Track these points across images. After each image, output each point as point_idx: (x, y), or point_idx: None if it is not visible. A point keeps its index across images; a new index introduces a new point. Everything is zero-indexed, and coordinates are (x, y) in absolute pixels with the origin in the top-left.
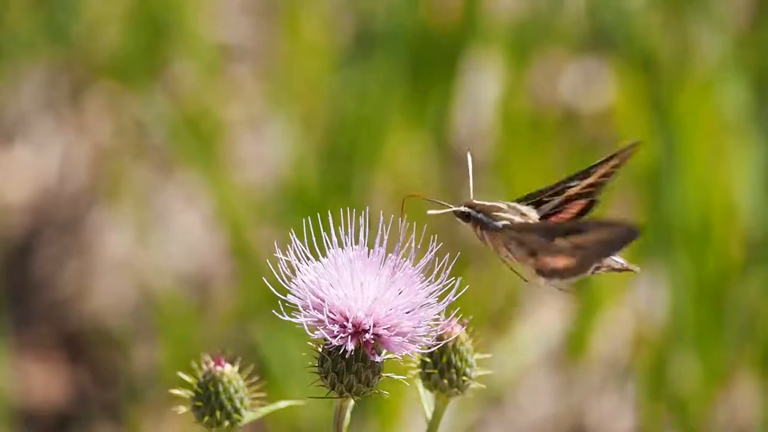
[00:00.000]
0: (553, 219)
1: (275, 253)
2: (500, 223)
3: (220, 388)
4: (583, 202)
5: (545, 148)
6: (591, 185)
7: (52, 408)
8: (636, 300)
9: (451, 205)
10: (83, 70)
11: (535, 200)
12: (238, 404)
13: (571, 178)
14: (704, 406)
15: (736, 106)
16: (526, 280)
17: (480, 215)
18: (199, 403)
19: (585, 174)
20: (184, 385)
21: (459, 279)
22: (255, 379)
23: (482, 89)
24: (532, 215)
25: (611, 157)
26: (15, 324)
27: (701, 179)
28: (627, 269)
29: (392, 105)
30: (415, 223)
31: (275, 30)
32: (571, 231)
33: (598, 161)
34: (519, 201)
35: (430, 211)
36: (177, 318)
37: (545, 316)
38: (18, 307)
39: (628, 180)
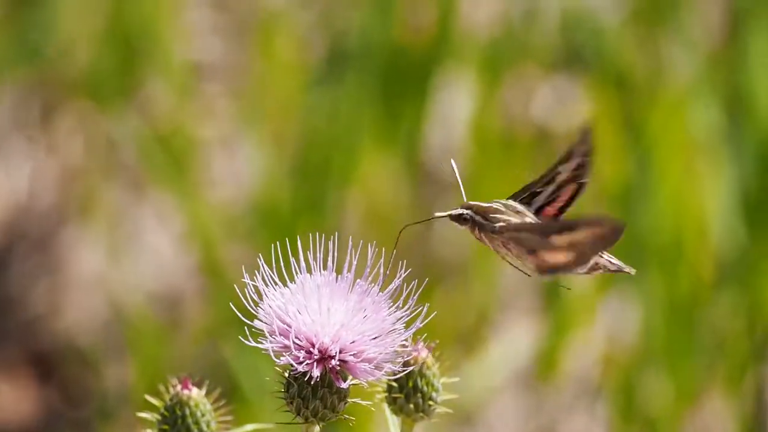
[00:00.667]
0: (548, 209)
1: (244, 275)
2: (497, 225)
3: (187, 412)
4: (572, 186)
5: (518, 166)
6: (576, 168)
7: (21, 426)
8: (606, 319)
9: (443, 213)
10: (55, 89)
11: (529, 193)
12: (204, 428)
13: (559, 162)
14: (675, 426)
15: (709, 125)
16: (528, 275)
17: (477, 217)
18: (165, 427)
19: (569, 154)
20: (152, 407)
21: (427, 305)
22: (223, 402)
23: (455, 107)
24: (528, 213)
25: (566, 159)
26: None
27: (673, 198)
28: (621, 270)
29: (364, 124)
30: (384, 248)
31: (248, 49)
32: (563, 229)
33: (571, 146)
34: (514, 196)
35: (436, 214)
36: (148, 336)
37: (516, 336)
38: None
39: (600, 197)
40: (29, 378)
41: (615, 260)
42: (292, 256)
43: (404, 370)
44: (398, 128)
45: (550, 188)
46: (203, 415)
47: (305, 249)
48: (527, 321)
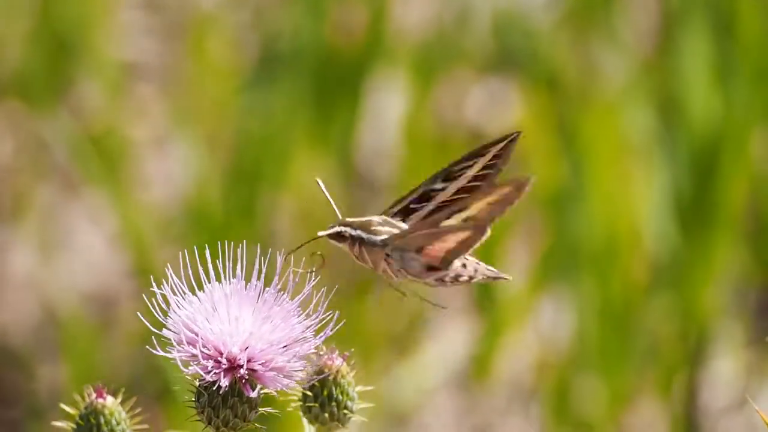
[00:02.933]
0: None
1: (170, 277)
2: (379, 238)
3: (102, 420)
4: (455, 207)
5: None
6: (463, 189)
7: None
8: (540, 323)
9: (320, 233)
10: None
11: (401, 207)
12: None
13: (432, 180)
14: (609, 429)
15: (641, 129)
16: (404, 295)
17: (358, 232)
18: None
19: (447, 174)
20: (68, 416)
21: (337, 312)
22: (139, 410)
23: (387, 110)
24: (403, 227)
25: (477, 153)
26: None
27: (606, 202)
28: (500, 277)
29: (297, 126)
30: (292, 257)
31: (181, 50)
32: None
33: (462, 157)
34: (386, 212)
35: (320, 233)
36: (80, 337)
37: (449, 338)
38: None
39: (533, 201)
40: None
41: (492, 268)
42: (201, 265)
43: (316, 379)
44: (331, 130)
45: (428, 207)
46: (118, 424)
47: (224, 255)
48: (461, 322)
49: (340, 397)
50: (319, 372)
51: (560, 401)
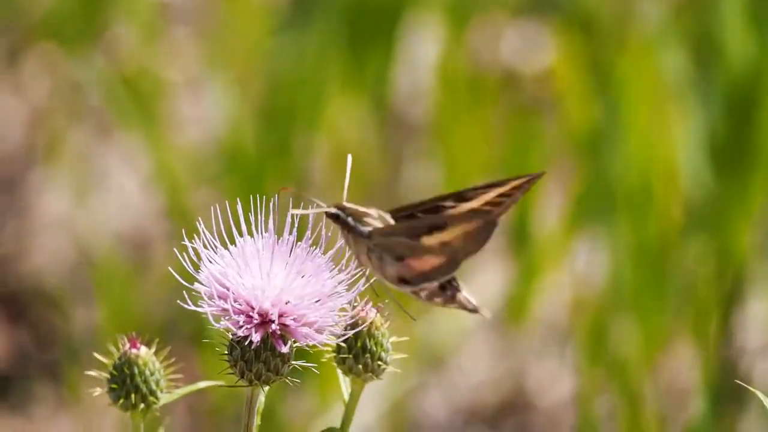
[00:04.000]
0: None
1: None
2: (366, 229)
3: (135, 371)
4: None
5: (485, 110)
6: (474, 210)
7: None
8: (576, 264)
9: (322, 204)
10: (21, 31)
11: (406, 214)
12: (153, 387)
13: (444, 198)
14: (643, 370)
15: (677, 70)
16: (377, 295)
17: (349, 219)
18: (114, 386)
19: (460, 196)
20: (102, 365)
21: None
22: (174, 358)
23: (422, 51)
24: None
25: (496, 184)
26: None
27: (641, 142)
28: (477, 311)
29: (331, 68)
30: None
31: None
32: (434, 227)
33: (480, 185)
34: (391, 212)
35: (292, 211)
36: (115, 279)
37: (485, 279)
38: None
39: (568, 143)
40: None
41: (473, 300)
42: (233, 219)
43: (349, 333)
44: (365, 72)
45: (461, 207)
46: (152, 374)
47: (247, 210)
48: (496, 264)
49: (374, 348)
50: (353, 324)
51: (595, 343)
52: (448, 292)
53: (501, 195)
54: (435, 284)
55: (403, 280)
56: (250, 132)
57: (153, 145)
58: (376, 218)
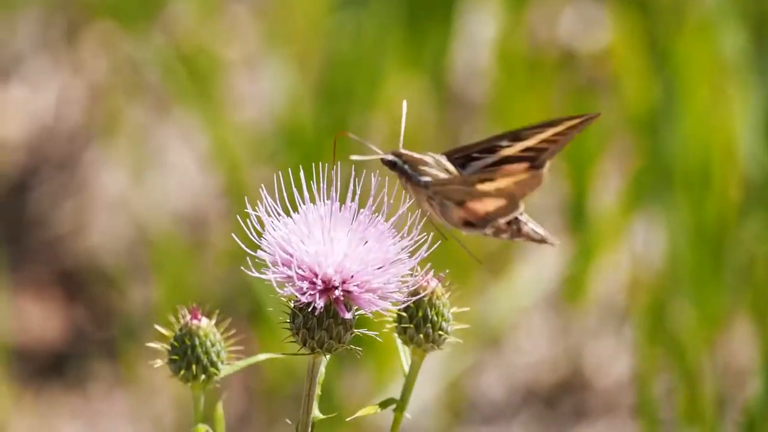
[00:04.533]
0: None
1: (264, 197)
2: (424, 179)
3: (196, 342)
4: (522, 165)
5: (543, 89)
6: (530, 149)
7: (48, 346)
8: (633, 243)
9: (379, 151)
10: (79, 9)
11: (463, 155)
12: (214, 358)
13: (499, 137)
14: (701, 350)
15: (735, 49)
16: (445, 238)
17: (406, 167)
18: (175, 357)
19: (516, 135)
20: (163, 338)
21: (431, 233)
22: (234, 331)
23: (480, 30)
24: (455, 172)
25: (551, 124)
26: (11, 262)
27: (700, 122)
28: (545, 240)
29: (389, 46)
30: (387, 178)
31: None
32: (485, 179)
33: (536, 125)
34: (447, 154)
35: (352, 156)
36: (172, 257)
37: (543, 259)
38: (14, 245)
39: (626, 123)
40: (55, 298)
41: (540, 230)
42: (295, 186)
43: (411, 300)
44: (423, 50)
45: (490, 158)
46: (213, 345)
47: (309, 178)
48: (554, 245)
49: (435, 318)
50: (414, 293)
51: (653, 322)
52: (513, 226)
53: (556, 134)
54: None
55: (467, 224)
56: (308, 110)
57: (210, 123)
58: (433, 164)
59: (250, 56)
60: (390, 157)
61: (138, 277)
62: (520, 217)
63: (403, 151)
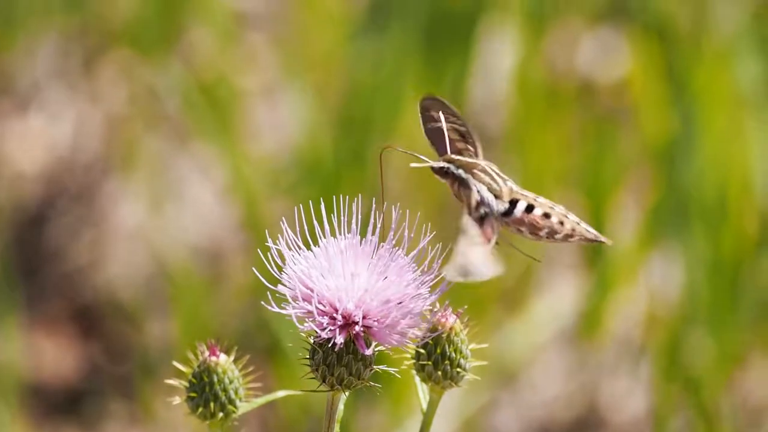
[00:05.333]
0: None
1: (284, 230)
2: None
3: (215, 379)
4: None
5: (561, 118)
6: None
7: (63, 382)
8: (650, 278)
9: (428, 160)
10: (97, 37)
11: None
12: (232, 395)
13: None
14: (718, 387)
15: (753, 80)
16: (497, 243)
17: (459, 171)
18: (193, 394)
19: None
20: (181, 374)
21: None
22: (252, 367)
23: (498, 59)
24: (505, 176)
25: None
26: (27, 295)
27: (717, 154)
28: (599, 240)
29: (407, 74)
30: (408, 211)
31: None
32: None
33: None
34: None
35: (412, 164)
36: (190, 290)
37: (559, 294)
38: (30, 278)
39: (644, 153)
40: (71, 333)
41: (591, 230)
42: (316, 220)
43: (430, 336)
44: (442, 79)
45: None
46: (231, 382)
47: (339, 209)
48: (570, 278)
49: (454, 355)
50: (433, 329)
51: (670, 358)
52: (566, 226)
53: None
54: (562, 215)
55: (534, 234)
56: (327, 140)
57: (229, 155)
58: (484, 169)
59: (269, 86)
60: (442, 164)
61: (155, 311)
62: (570, 217)
63: (454, 156)
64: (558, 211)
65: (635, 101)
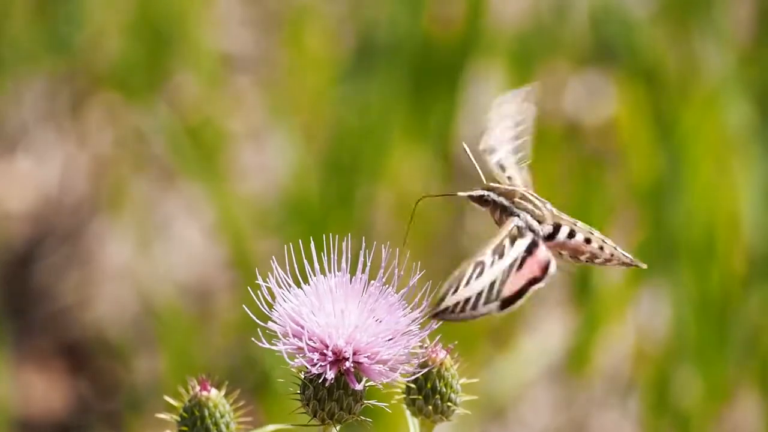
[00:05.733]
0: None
1: (273, 268)
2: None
3: (206, 413)
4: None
5: (548, 161)
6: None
7: (52, 419)
8: (638, 314)
9: (463, 193)
10: (84, 80)
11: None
12: (223, 429)
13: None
14: (707, 423)
15: (740, 122)
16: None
17: (501, 199)
18: (184, 429)
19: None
20: (178, 404)
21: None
22: (243, 402)
23: (485, 101)
24: (542, 200)
25: None
26: (15, 333)
27: (704, 194)
28: (635, 264)
29: (394, 117)
30: (398, 249)
31: (277, 40)
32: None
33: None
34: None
35: (459, 193)
36: (178, 329)
37: (547, 330)
38: (18, 316)
39: (631, 194)
40: (60, 370)
41: (628, 254)
42: (306, 258)
43: (421, 372)
44: (428, 122)
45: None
46: (222, 416)
47: (328, 247)
48: (559, 314)
49: (444, 389)
50: (423, 365)
51: (658, 394)
52: (606, 251)
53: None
54: (601, 240)
55: (574, 257)
56: (314, 182)
57: (216, 195)
58: (523, 195)
59: (256, 128)
60: (481, 193)
61: (143, 349)
62: (608, 241)
63: (492, 184)
64: (597, 236)
65: (622, 143)
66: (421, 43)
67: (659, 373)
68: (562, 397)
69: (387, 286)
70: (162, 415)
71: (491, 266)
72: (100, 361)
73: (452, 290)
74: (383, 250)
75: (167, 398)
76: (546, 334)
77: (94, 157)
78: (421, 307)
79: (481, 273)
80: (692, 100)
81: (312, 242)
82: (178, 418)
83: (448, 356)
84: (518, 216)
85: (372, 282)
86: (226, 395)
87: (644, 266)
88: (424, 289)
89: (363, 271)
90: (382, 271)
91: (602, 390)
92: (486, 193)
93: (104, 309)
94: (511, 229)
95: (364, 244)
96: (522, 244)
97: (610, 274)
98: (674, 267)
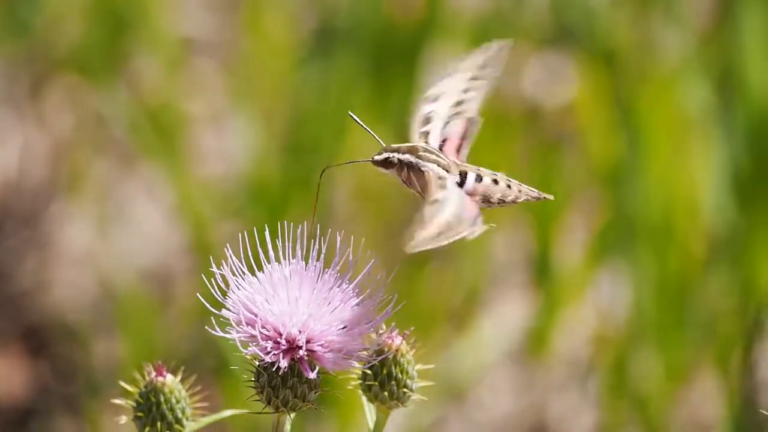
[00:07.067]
0: (445, 149)
1: (229, 255)
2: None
3: (161, 399)
4: (461, 123)
5: (508, 143)
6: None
7: (11, 402)
8: (598, 297)
9: (381, 142)
10: (44, 63)
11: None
12: (179, 414)
13: (421, 105)
14: (665, 404)
15: (699, 103)
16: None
17: (406, 156)
18: (140, 414)
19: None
20: (128, 394)
21: (396, 294)
22: (199, 387)
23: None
24: (441, 154)
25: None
26: None
27: (663, 176)
28: (543, 197)
29: (354, 100)
30: (352, 237)
31: (238, 24)
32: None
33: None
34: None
35: (363, 160)
36: (137, 312)
37: (506, 313)
38: None
39: (590, 176)
40: (19, 354)
41: (534, 189)
42: (261, 246)
43: (377, 359)
44: (388, 105)
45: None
46: (178, 402)
47: (274, 236)
48: (518, 297)
49: (400, 375)
50: (379, 351)
51: (617, 376)
52: (514, 188)
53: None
54: (507, 179)
55: (486, 201)
56: (274, 165)
57: (176, 179)
58: (425, 149)
59: (216, 111)
60: (384, 155)
61: (103, 333)
62: (514, 181)
63: (392, 145)
64: (501, 176)
65: (581, 125)
66: (382, 26)
67: (618, 356)
68: (521, 380)
69: (343, 273)
70: (118, 401)
71: (448, 201)
72: (60, 345)
73: (429, 221)
74: (338, 237)
75: (123, 384)
76: (505, 317)
77: (54, 140)
78: (376, 295)
79: (443, 208)
80: (651, 83)
81: (267, 229)
82: (134, 404)
83: (404, 342)
84: (428, 168)
85: (327, 270)
86: (183, 380)
87: (551, 197)
88: (378, 278)
89: (318, 259)
90: (336, 258)
91: (562, 372)
92: (390, 155)
93: (63, 292)
94: (434, 177)
95: (318, 231)
96: (451, 182)
97: (569, 256)
98: (633, 249)
